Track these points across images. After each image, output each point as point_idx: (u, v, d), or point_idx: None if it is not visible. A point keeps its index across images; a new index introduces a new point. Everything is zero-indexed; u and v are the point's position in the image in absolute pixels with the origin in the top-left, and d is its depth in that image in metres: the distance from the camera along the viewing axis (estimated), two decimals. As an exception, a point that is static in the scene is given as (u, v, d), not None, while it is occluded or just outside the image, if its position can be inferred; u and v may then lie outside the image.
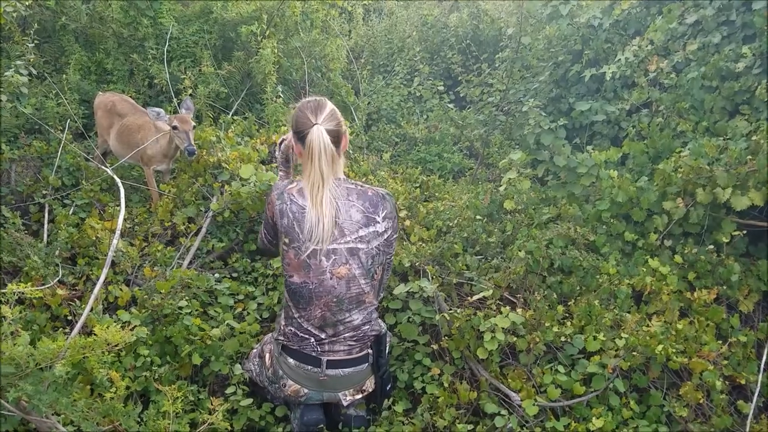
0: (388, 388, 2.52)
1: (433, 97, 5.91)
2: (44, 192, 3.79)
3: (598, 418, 2.47)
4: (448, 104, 5.83)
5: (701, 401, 2.58)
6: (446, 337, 2.81)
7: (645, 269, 3.00)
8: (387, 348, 2.53)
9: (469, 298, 3.03)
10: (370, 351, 2.42)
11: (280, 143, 2.81)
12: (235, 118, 5.00)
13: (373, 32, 7.56)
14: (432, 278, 3.05)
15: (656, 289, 2.90)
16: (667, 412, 2.61)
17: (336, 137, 2.24)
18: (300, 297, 2.28)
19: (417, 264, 3.16)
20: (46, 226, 3.46)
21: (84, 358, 2.06)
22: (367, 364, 2.42)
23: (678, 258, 3.03)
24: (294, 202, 2.24)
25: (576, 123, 4.51)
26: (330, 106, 2.29)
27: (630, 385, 2.72)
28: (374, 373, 2.47)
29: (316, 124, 2.20)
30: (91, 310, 2.66)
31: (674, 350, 2.59)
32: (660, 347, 2.57)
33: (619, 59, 4.43)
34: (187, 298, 2.86)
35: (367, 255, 2.27)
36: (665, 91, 4.12)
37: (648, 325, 2.74)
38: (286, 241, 2.25)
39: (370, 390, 2.49)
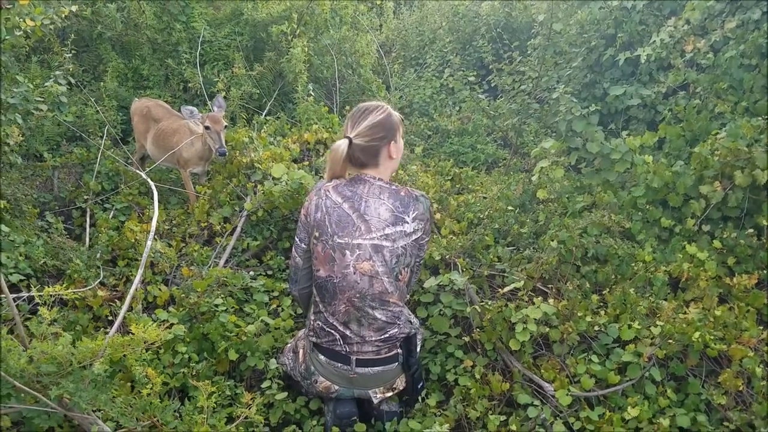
0: (419, 387, 2.53)
1: (465, 88, 5.88)
2: (85, 197, 3.93)
3: (633, 407, 2.44)
4: (481, 95, 5.79)
5: (741, 389, 2.50)
6: (478, 329, 2.80)
7: (682, 255, 2.92)
8: (418, 347, 2.54)
9: (500, 289, 3.01)
10: (399, 351, 2.44)
11: None
12: (267, 118, 5.08)
13: (404, 25, 7.55)
14: (463, 271, 3.04)
15: (694, 276, 2.83)
16: (706, 400, 2.55)
17: (370, 150, 2.30)
18: (325, 291, 2.32)
19: (447, 257, 3.15)
20: (87, 230, 3.59)
21: (123, 356, 2.15)
22: (396, 363, 2.43)
23: (717, 243, 2.94)
24: (329, 198, 2.29)
25: (611, 108, 4.42)
26: (372, 119, 2.29)
27: (667, 373, 2.66)
28: (405, 372, 2.49)
29: (346, 137, 2.28)
30: (131, 309, 2.76)
31: (712, 337, 2.52)
32: (697, 334, 2.51)
33: (654, 41, 4.32)
34: (223, 296, 2.93)
35: (392, 253, 2.28)
36: (703, 71, 4.00)
37: (685, 313, 2.67)
38: (316, 234, 2.29)
39: (401, 388, 2.51)
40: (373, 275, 2.26)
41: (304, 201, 2.40)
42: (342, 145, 2.27)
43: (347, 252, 2.25)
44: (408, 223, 2.29)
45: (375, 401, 2.45)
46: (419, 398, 2.57)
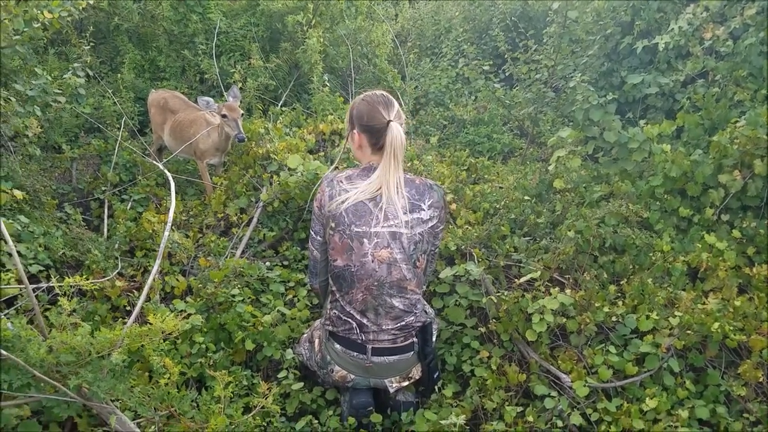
0: (435, 376, 2.52)
1: (480, 78, 5.84)
2: (103, 188, 3.97)
3: (652, 399, 2.41)
4: (497, 84, 5.74)
5: (761, 380, 2.47)
6: (494, 320, 2.79)
7: (701, 245, 2.89)
8: (434, 337, 2.54)
9: (517, 280, 3.00)
10: (415, 340, 2.44)
11: None
12: (283, 109, 5.08)
13: (420, 15, 7.50)
14: (479, 261, 3.03)
15: (713, 266, 2.80)
16: (725, 391, 2.53)
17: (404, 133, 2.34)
18: (342, 280, 2.32)
19: (463, 247, 3.14)
20: (105, 221, 3.62)
21: (141, 346, 2.17)
22: (412, 352, 2.44)
23: (736, 232, 2.90)
24: (343, 189, 2.29)
25: (629, 97, 4.36)
26: (396, 103, 2.35)
27: (686, 364, 2.64)
28: (420, 362, 2.49)
29: (390, 120, 2.26)
30: (148, 299, 2.78)
31: (732, 328, 2.49)
32: (717, 325, 2.48)
33: (673, 28, 4.25)
34: (239, 286, 2.95)
35: (410, 240, 2.28)
36: (722, 59, 3.93)
37: (704, 303, 2.64)
38: (333, 225, 2.28)
39: (417, 377, 2.51)
40: (391, 263, 2.27)
41: (317, 193, 2.39)
42: (398, 128, 2.26)
43: (365, 240, 2.25)
44: (424, 210, 2.30)
45: (391, 390, 2.45)
46: (435, 388, 2.57)
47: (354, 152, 2.45)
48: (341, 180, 2.31)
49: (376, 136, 2.29)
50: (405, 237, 2.27)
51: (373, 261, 2.26)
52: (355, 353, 2.38)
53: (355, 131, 2.35)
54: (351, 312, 2.34)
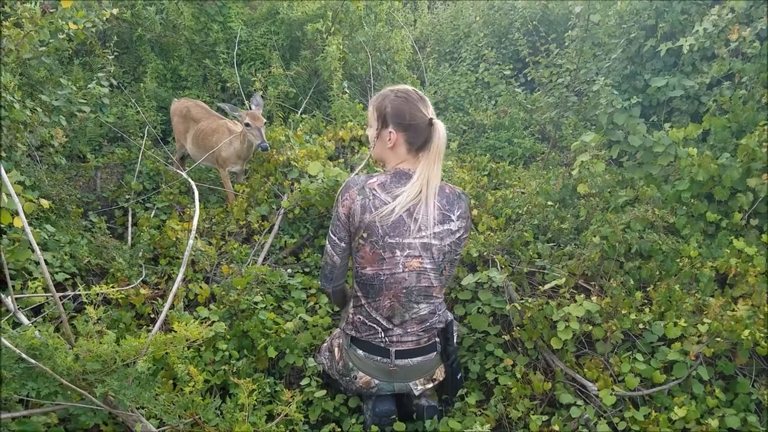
0: (459, 377, 2.50)
1: (501, 82, 5.81)
2: (127, 197, 4.01)
3: (680, 407, 2.37)
4: (517, 88, 5.72)
5: (795, 389, 2.42)
6: (518, 327, 2.76)
7: (729, 251, 2.83)
8: (455, 336, 2.51)
9: (541, 286, 2.96)
10: (438, 340, 2.42)
11: None
12: (303, 116, 5.11)
13: (439, 20, 7.50)
14: (501, 267, 3.00)
15: (742, 271, 2.74)
16: (756, 400, 2.47)
17: None
18: (371, 287, 2.28)
19: (485, 254, 3.11)
20: (129, 229, 3.66)
21: (165, 354, 2.17)
22: (435, 352, 2.42)
23: (765, 237, 2.84)
24: (377, 197, 2.18)
25: (653, 100, 4.31)
26: None
27: (715, 372, 2.59)
28: (443, 362, 2.47)
29: (432, 118, 2.20)
30: (172, 307, 2.80)
31: (763, 335, 2.43)
32: (747, 332, 2.42)
33: (697, 30, 4.18)
34: (262, 293, 2.96)
35: (439, 251, 2.26)
36: (748, 61, 3.86)
37: (733, 310, 2.59)
38: (364, 235, 2.21)
39: (441, 379, 2.49)
40: (420, 272, 2.25)
41: (341, 199, 2.24)
42: (443, 126, 2.19)
43: (397, 251, 2.21)
44: (453, 221, 2.26)
45: (416, 393, 2.44)
46: (459, 395, 2.55)
47: (380, 153, 2.31)
48: (374, 188, 2.20)
49: (417, 135, 2.20)
50: (435, 248, 2.25)
51: (403, 270, 2.24)
52: (378, 357, 2.36)
53: (390, 130, 2.21)
54: (377, 318, 2.32)
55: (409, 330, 2.33)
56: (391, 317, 2.31)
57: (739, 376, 2.58)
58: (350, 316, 2.41)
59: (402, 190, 2.17)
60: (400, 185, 2.19)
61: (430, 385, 2.46)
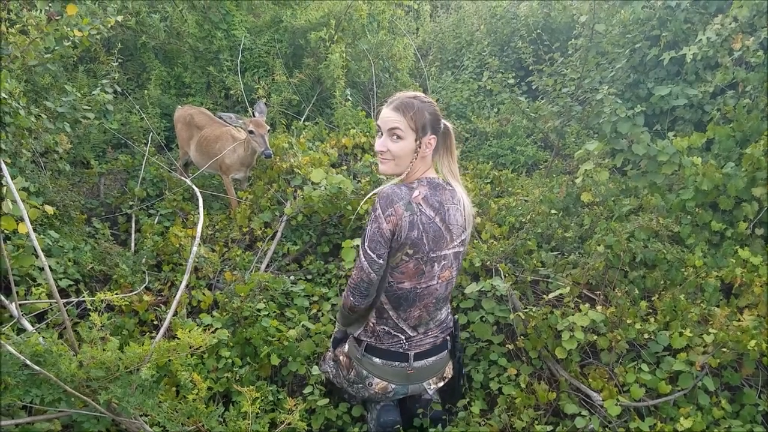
0: (462, 372, 2.56)
1: (504, 90, 5.82)
2: (131, 203, 4.01)
3: (686, 418, 2.35)
4: (520, 96, 5.72)
5: (802, 400, 2.40)
6: (522, 337, 2.75)
7: (734, 260, 2.82)
8: (458, 330, 2.52)
9: (545, 296, 2.95)
10: (449, 337, 2.43)
11: None
12: (306, 123, 5.11)
13: (441, 28, 7.52)
14: (505, 276, 2.99)
15: (747, 281, 2.73)
16: (763, 411, 2.46)
17: None
18: (404, 301, 2.24)
19: (488, 263, 3.11)
20: (133, 235, 3.65)
21: (169, 361, 2.16)
22: (446, 350, 2.43)
23: (771, 247, 2.83)
24: (423, 213, 2.11)
25: (656, 109, 4.31)
26: None
27: (721, 383, 2.57)
28: (452, 359, 2.48)
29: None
30: (176, 314, 2.79)
31: (769, 346, 2.42)
32: (753, 342, 2.41)
33: (701, 39, 4.19)
34: (264, 300, 2.95)
35: (462, 257, 2.31)
36: (752, 70, 3.86)
37: (739, 320, 2.58)
38: (409, 252, 2.14)
39: (449, 376, 2.50)
40: (449, 281, 2.28)
41: (385, 214, 2.06)
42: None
43: (436, 264, 2.20)
44: (470, 225, 2.28)
45: (430, 392, 2.46)
46: (462, 404, 2.54)
47: (416, 163, 2.15)
48: (420, 203, 2.11)
49: (445, 138, 2.20)
50: (461, 255, 2.29)
51: (437, 282, 2.23)
52: (397, 363, 2.34)
53: (431, 136, 2.13)
54: (404, 328, 2.29)
55: (429, 334, 2.35)
56: (417, 326, 2.31)
57: (745, 387, 2.56)
58: (372, 326, 2.34)
59: (443, 199, 2.15)
60: (438, 195, 2.15)
61: (441, 384, 2.49)
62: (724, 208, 3.07)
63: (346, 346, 2.48)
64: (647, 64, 4.65)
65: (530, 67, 5.16)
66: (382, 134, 2.15)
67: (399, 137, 2.10)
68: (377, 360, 2.34)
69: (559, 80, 4.82)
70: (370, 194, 2.23)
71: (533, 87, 5.27)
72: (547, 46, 5.43)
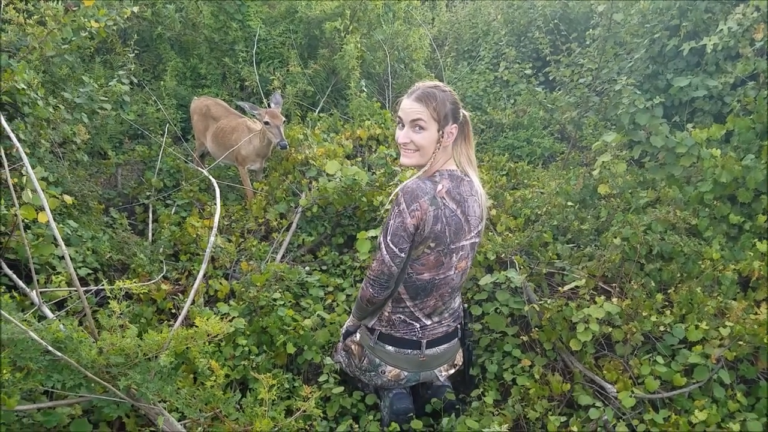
0: (473, 358, 2.61)
1: (521, 81, 5.78)
2: (148, 193, 4.04)
3: (701, 411, 2.34)
4: (537, 87, 5.68)
5: (819, 394, 2.38)
6: (537, 329, 2.75)
7: (752, 253, 2.79)
8: (466, 316, 2.55)
9: (560, 288, 2.94)
10: (460, 325, 2.46)
11: None
12: (321, 115, 5.12)
13: (457, 18, 7.48)
14: (520, 268, 2.99)
15: (765, 275, 2.70)
16: (780, 405, 2.43)
17: None
18: (422, 291, 2.26)
19: (503, 255, 3.10)
20: (150, 225, 3.69)
21: (186, 348, 2.19)
22: (457, 337, 2.46)
23: (790, 241, 2.80)
24: (447, 207, 2.11)
25: (675, 100, 4.26)
26: None
27: (736, 376, 2.55)
28: (462, 346, 2.51)
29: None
30: (193, 303, 2.82)
31: (787, 339, 2.40)
32: (770, 336, 2.39)
33: (721, 29, 4.13)
34: (280, 290, 2.97)
35: (476, 247, 2.32)
36: (774, 60, 3.81)
37: (756, 313, 2.55)
38: (432, 245, 2.15)
39: (460, 363, 2.54)
40: (464, 270, 2.30)
41: (409, 209, 2.06)
42: None
43: (454, 255, 2.21)
44: (485, 216, 2.30)
45: (441, 379, 2.49)
46: (476, 394, 2.56)
47: (438, 154, 2.14)
48: (444, 196, 2.11)
49: (463, 126, 2.19)
50: (476, 245, 2.31)
51: (454, 272, 2.25)
52: (409, 350, 2.36)
53: (452, 125, 2.11)
54: (419, 316, 2.32)
55: (443, 322, 2.37)
56: (432, 314, 2.33)
57: (761, 380, 2.54)
58: (387, 314, 2.36)
59: (464, 192, 2.15)
60: (461, 187, 2.15)
61: (453, 371, 2.53)
62: (742, 201, 3.03)
63: (357, 335, 2.51)
64: (666, 55, 4.60)
65: (547, 58, 5.12)
66: (403, 126, 2.14)
67: (422, 128, 2.09)
68: (390, 348, 2.37)
69: (576, 71, 4.78)
70: (393, 194, 2.20)
71: (550, 78, 5.23)
72: (565, 36, 5.38)
